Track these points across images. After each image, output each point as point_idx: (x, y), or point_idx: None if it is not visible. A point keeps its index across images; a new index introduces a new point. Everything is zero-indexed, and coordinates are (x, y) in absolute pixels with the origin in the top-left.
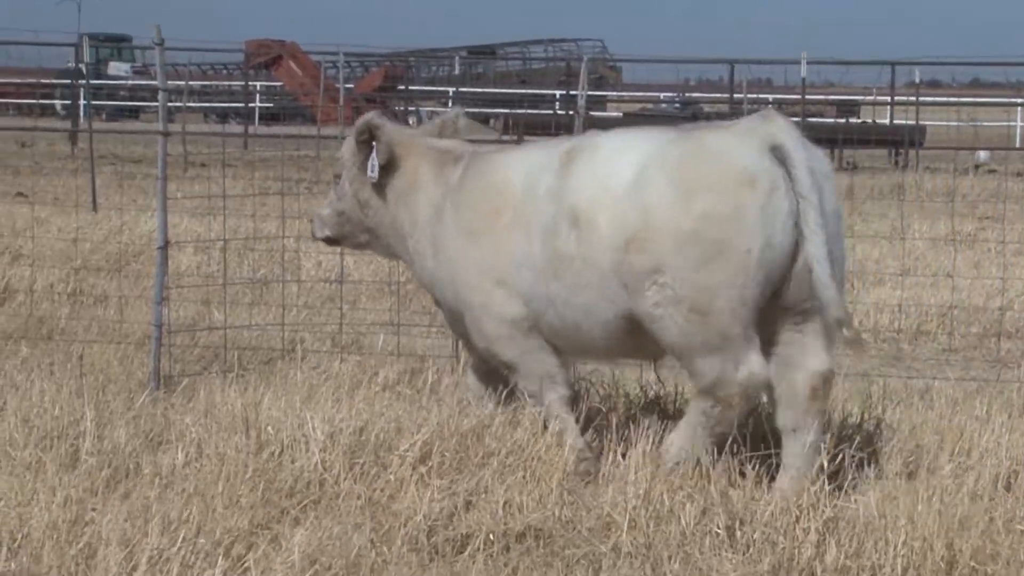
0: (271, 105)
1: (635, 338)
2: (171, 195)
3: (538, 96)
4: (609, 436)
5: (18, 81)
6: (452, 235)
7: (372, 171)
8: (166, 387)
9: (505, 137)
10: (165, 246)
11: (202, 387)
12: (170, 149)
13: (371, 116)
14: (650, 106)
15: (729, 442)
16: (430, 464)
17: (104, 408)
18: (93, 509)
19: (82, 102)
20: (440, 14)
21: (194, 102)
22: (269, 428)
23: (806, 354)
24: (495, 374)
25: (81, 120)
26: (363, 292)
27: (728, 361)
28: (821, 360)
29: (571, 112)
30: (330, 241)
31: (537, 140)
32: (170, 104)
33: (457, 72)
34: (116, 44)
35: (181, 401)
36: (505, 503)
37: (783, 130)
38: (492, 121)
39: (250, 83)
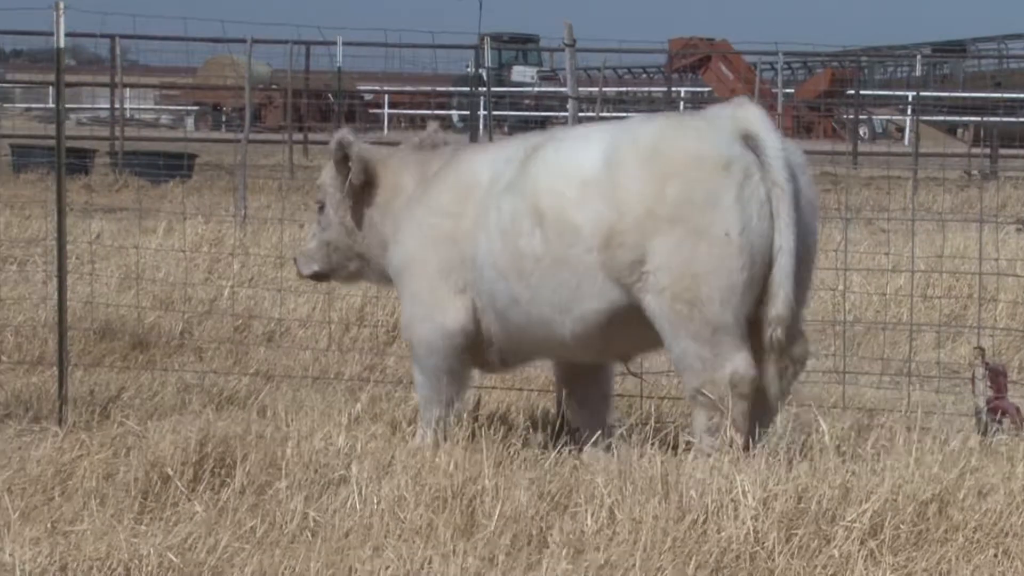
0: None
1: (609, 331)
2: None
3: (1016, 101)
4: None
5: (411, 89)
6: (414, 228)
7: (345, 188)
8: (574, 442)
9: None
10: None
11: (616, 443)
12: None
13: (341, 133)
14: None
15: None
16: (881, 538)
17: (505, 464)
18: None
19: (482, 112)
20: (897, 5)
21: (608, 111)
22: (692, 491)
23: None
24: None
25: (480, 132)
26: None
27: (716, 357)
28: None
29: None
30: (318, 277)
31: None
32: (581, 114)
33: (918, 73)
34: (521, 46)
35: (592, 457)
36: None
37: (756, 119)
38: (960, 131)
39: (673, 89)
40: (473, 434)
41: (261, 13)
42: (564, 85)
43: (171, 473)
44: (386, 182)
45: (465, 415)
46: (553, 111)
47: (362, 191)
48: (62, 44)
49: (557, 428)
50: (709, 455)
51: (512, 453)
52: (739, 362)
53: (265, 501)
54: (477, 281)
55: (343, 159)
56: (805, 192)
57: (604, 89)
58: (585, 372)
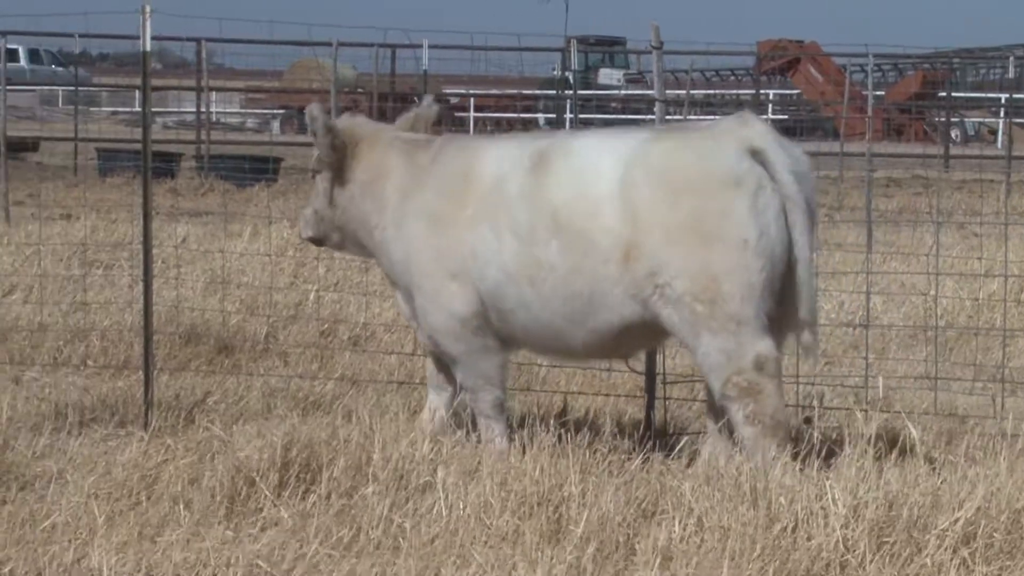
0: (786, 117)
1: (619, 340)
2: None
3: None
4: None
5: (497, 92)
6: (413, 217)
7: (313, 162)
8: (661, 447)
9: None
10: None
11: (705, 448)
12: None
13: (310, 108)
14: None
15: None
16: (974, 546)
17: (591, 470)
18: None
19: (568, 115)
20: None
21: (696, 114)
22: (781, 498)
23: None
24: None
25: None
26: (893, 339)
27: (739, 347)
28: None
29: None
30: (314, 241)
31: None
32: (668, 117)
33: (1011, 75)
34: (608, 48)
35: (678, 464)
36: None
37: (760, 134)
38: None
39: (762, 92)
40: (559, 439)
41: (347, 16)
42: (651, 88)
43: (256, 478)
44: (368, 160)
45: (552, 420)
46: (640, 114)
47: (342, 166)
48: (148, 47)
49: (643, 433)
50: (755, 449)
51: (599, 459)
52: (762, 346)
53: (351, 507)
54: (478, 275)
55: (325, 133)
56: (809, 199)
57: (691, 92)
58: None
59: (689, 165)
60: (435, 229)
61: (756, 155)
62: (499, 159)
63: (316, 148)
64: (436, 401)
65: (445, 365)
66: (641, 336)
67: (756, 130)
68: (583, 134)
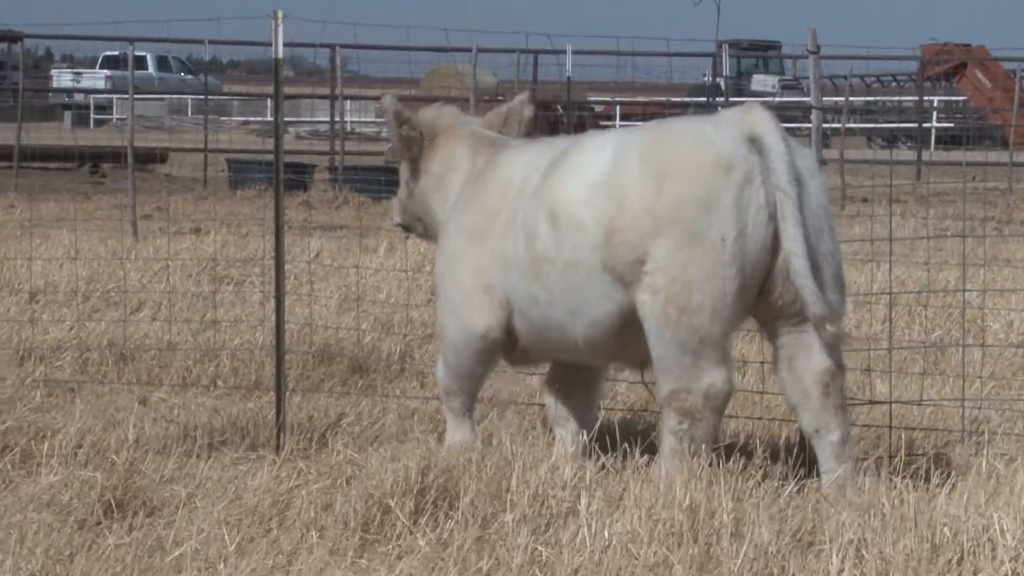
0: (951, 125)
1: (622, 338)
2: None
3: None
4: None
5: (644, 100)
6: (455, 229)
7: (387, 154)
8: (818, 473)
9: None
10: None
11: (864, 475)
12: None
13: (383, 98)
14: None
15: None
16: None
17: (744, 498)
18: None
19: None
20: None
21: (855, 122)
22: (946, 529)
23: (809, 355)
24: (577, 390)
25: None
26: None
27: (695, 367)
28: (821, 359)
29: None
30: (403, 227)
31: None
32: (826, 125)
33: None
34: (762, 53)
35: (836, 492)
36: None
37: (762, 122)
38: None
39: (925, 98)
40: (709, 465)
41: (487, 21)
42: (807, 94)
43: (391, 504)
44: (443, 153)
45: (705, 448)
46: (796, 122)
47: (419, 156)
48: (280, 55)
49: (798, 459)
50: (671, 460)
51: (751, 485)
52: (717, 376)
53: (490, 534)
54: (506, 280)
55: (396, 123)
56: (816, 196)
57: (851, 98)
58: (580, 378)
59: (679, 148)
60: (473, 245)
61: (754, 142)
62: (527, 164)
63: (390, 139)
64: (564, 435)
65: (564, 394)
66: (642, 334)
67: (758, 117)
68: (609, 132)
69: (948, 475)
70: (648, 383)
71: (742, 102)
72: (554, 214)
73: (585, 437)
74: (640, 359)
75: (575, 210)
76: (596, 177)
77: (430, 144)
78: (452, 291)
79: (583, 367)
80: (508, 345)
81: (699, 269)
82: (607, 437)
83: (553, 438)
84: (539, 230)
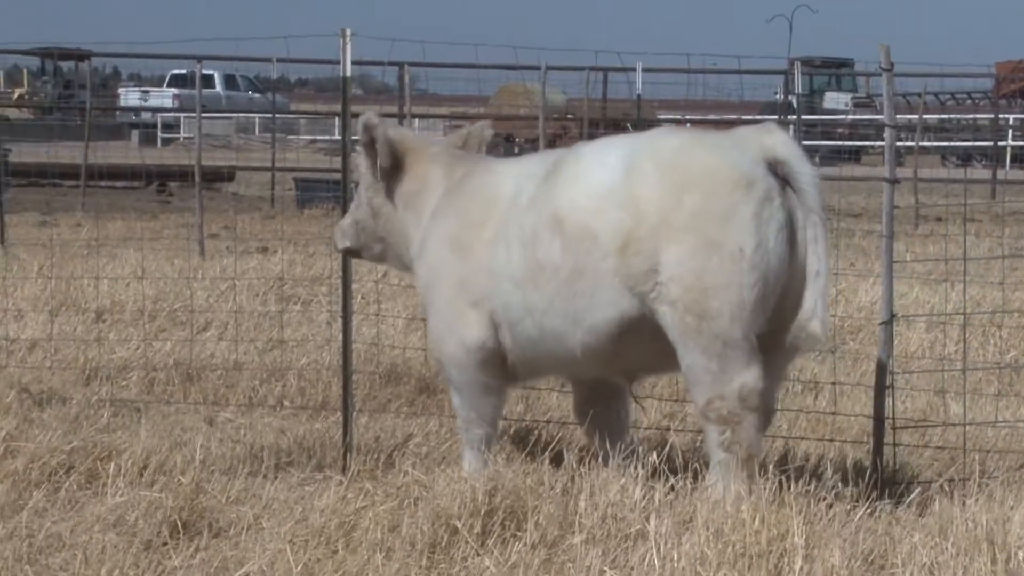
0: None
1: (618, 344)
2: (899, 257)
3: None
4: None
5: (715, 118)
6: (437, 241)
7: (376, 172)
8: (890, 496)
9: None
10: (890, 321)
11: (936, 498)
12: (898, 200)
13: (366, 116)
14: None
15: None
16: None
17: (814, 520)
18: None
19: None
20: None
21: (929, 140)
22: (1021, 552)
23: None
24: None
25: None
26: None
27: (723, 371)
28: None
29: None
30: (350, 252)
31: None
32: (899, 144)
33: None
34: (834, 71)
35: (909, 515)
36: None
37: (783, 144)
38: None
39: (1000, 116)
40: (780, 487)
41: (556, 38)
42: (880, 112)
43: (459, 525)
44: (414, 171)
45: (771, 468)
46: (868, 140)
47: (390, 176)
48: (348, 72)
49: (870, 481)
50: (726, 475)
51: (822, 508)
52: (748, 376)
53: (558, 556)
54: (493, 293)
55: (370, 142)
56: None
57: (924, 116)
58: (603, 397)
59: (700, 161)
60: (457, 257)
61: (776, 165)
62: (518, 176)
63: (366, 157)
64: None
65: (595, 420)
66: (640, 342)
67: (779, 139)
68: (600, 139)
69: (1022, 497)
70: (638, 398)
71: (815, 121)
72: (559, 221)
73: (652, 456)
74: (630, 369)
75: (584, 218)
76: (606, 185)
77: (399, 163)
78: (444, 306)
79: (606, 389)
80: (499, 360)
81: (716, 276)
82: (677, 459)
83: (633, 451)
84: (540, 238)
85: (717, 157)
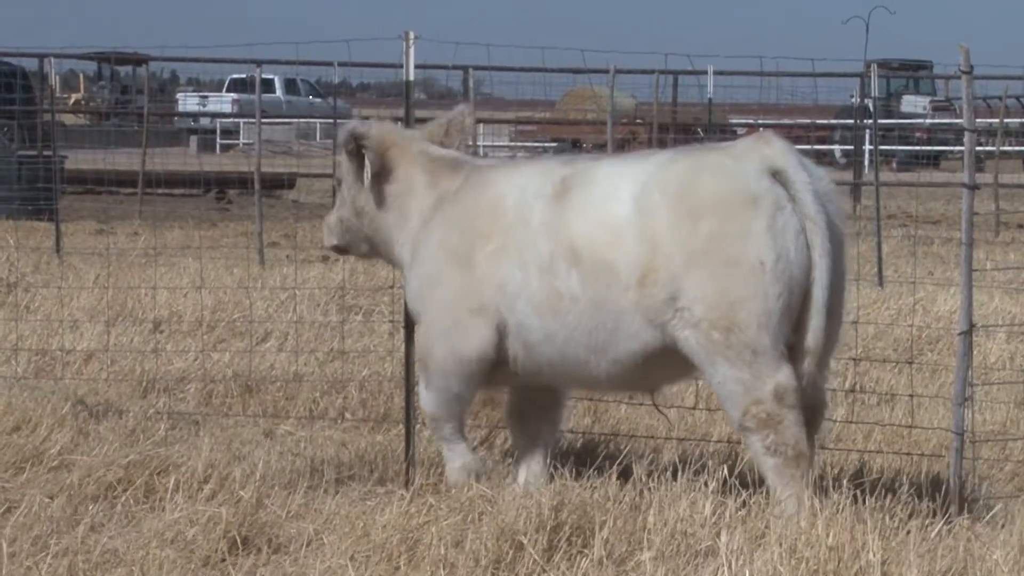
0: None
1: (643, 371)
2: (978, 265)
3: None
4: None
5: (788, 122)
6: (434, 249)
7: (365, 179)
8: (968, 512)
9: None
10: (970, 331)
11: (1017, 514)
12: (978, 206)
13: (353, 125)
14: None
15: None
16: None
17: (890, 536)
18: None
19: (867, 147)
20: None
21: (1010, 145)
22: None
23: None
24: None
25: (865, 170)
26: None
27: (756, 378)
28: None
29: None
30: (338, 250)
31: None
32: (979, 148)
33: None
34: (912, 73)
35: (988, 531)
36: None
37: (781, 153)
38: None
39: None
40: (855, 501)
41: (625, 41)
42: (960, 116)
43: (524, 541)
44: (399, 172)
45: (845, 482)
46: (947, 145)
47: (375, 176)
48: (412, 76)
49: (947, 496)
50: (779, 478)
51: (898, 524)
52: (780, 376)
53: (625, 573)
54: (504, 308)
55: (355, 151)
56: (834, 221)
57: (1005, 120)
58: (539, 404)
59: (707, 186)
60: (457, 267)
61: (776, 175)
62: (522, 188)
63: (349, 162)
64: (530, 465)
65: (526, 425)
66: (665, 366)
67: (776, 149)
68: (605, 159)
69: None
70: (660, 407)
71: (892, 125)
72: (575, 253)
73: (548, 464)
74: (654, 385)
75: (601, 251)
76: (620, 217)
77: (384, 162)
78: (440, 314)
79: (544, 394)
80: (502, 368)
81: (741, 289)
82: (748, 473)
83: (705, 464)
84: (558, 267)
85: (723, 178)
